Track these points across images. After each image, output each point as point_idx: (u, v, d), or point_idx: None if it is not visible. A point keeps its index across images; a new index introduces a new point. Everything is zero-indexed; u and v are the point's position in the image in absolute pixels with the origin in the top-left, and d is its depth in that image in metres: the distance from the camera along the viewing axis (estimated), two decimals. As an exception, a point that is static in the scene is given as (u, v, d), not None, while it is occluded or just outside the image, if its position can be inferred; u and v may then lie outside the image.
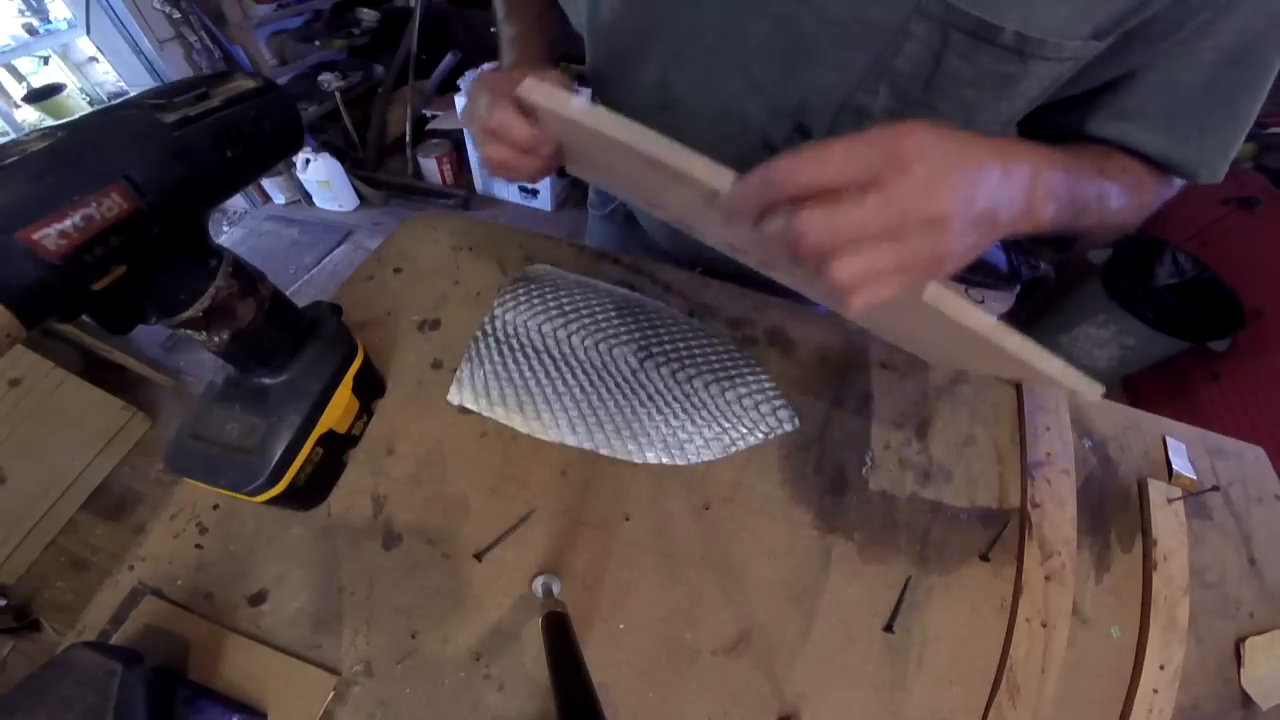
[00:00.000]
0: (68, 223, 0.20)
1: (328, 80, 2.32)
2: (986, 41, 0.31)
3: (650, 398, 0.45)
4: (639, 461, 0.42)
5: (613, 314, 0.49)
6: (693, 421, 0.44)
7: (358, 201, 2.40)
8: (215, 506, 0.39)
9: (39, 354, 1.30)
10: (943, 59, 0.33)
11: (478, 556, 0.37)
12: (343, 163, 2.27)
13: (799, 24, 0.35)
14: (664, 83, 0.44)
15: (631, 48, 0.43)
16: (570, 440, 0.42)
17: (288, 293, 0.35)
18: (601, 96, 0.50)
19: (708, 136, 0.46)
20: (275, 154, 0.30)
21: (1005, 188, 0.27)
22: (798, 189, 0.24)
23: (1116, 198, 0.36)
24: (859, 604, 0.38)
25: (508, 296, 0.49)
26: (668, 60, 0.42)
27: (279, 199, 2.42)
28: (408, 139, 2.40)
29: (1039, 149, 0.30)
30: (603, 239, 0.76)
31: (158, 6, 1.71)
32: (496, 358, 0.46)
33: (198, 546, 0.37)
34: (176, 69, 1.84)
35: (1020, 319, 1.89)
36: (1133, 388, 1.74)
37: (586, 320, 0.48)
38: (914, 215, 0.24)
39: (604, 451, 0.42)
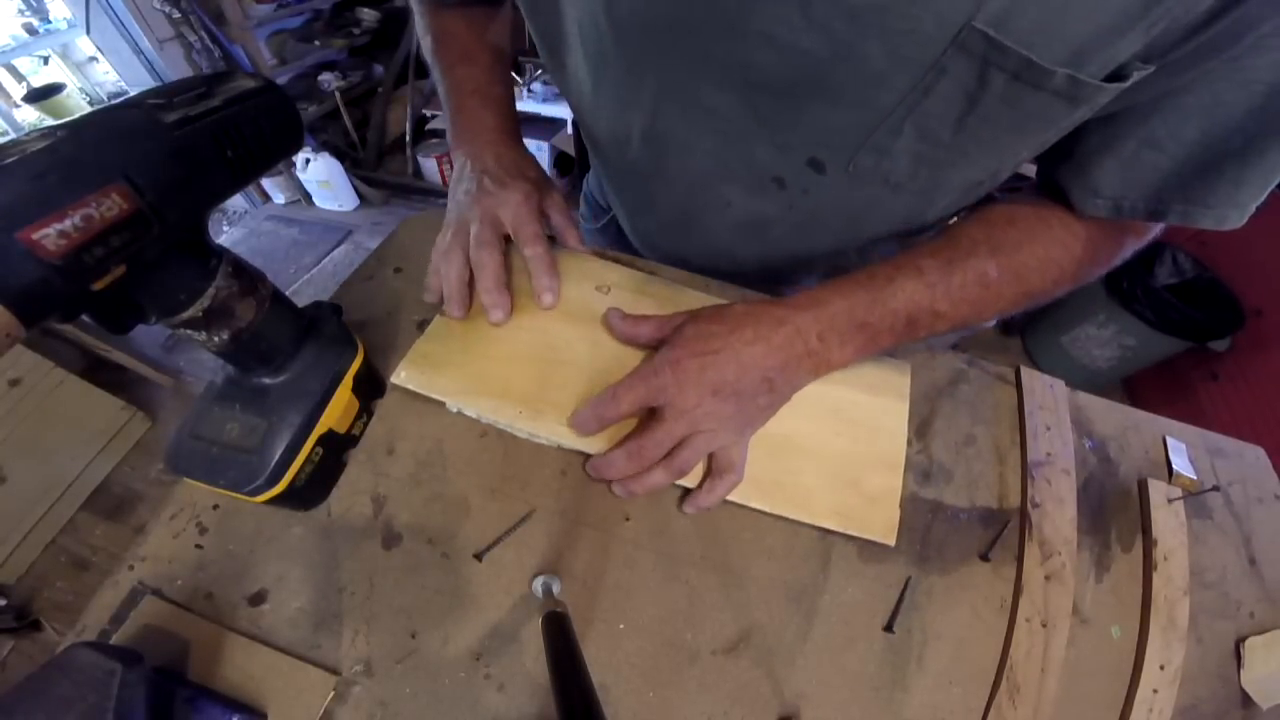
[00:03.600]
0: (68, 223, 0.20)
1: (328, 80, 2.32)
2: (1032, 86, 0.27)
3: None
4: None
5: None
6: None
7: (358, 201, 2.40)
8: (215, 506, 0.39)
9: (39, 354, 1.30)
10: (979, 101, 0.29)
11: (478, 556, 0.37)
12: (343, 162, 2.27)
13: (814, 58, 0.31)
14: (655, 113, 0.40)
15: (624, 78, 0.40)
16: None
17: (288, 293, 0.35)
18: (590, 125, 0.49)
19: (701, 172, 0.44)
20: (275, 154, 0.30)
21: (772, 355, 0.37)
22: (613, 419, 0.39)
23: (981, 299, 0.38)
24: (859, 604, 0.38)
25: None
26: (663, 92, 0.39)
27: (279, 199, 2.42)
28: (408, 139, 2.40)
29: (825, 301, 0.38)
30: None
31: (158, 6, 1.71)
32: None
33: (198, 546, 0.37)
34: (176, 69, 1.84)
35: (1019, 320, 1.89)
36: (1133, 388, 1.75)
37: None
38: (697, 423, 0.36)
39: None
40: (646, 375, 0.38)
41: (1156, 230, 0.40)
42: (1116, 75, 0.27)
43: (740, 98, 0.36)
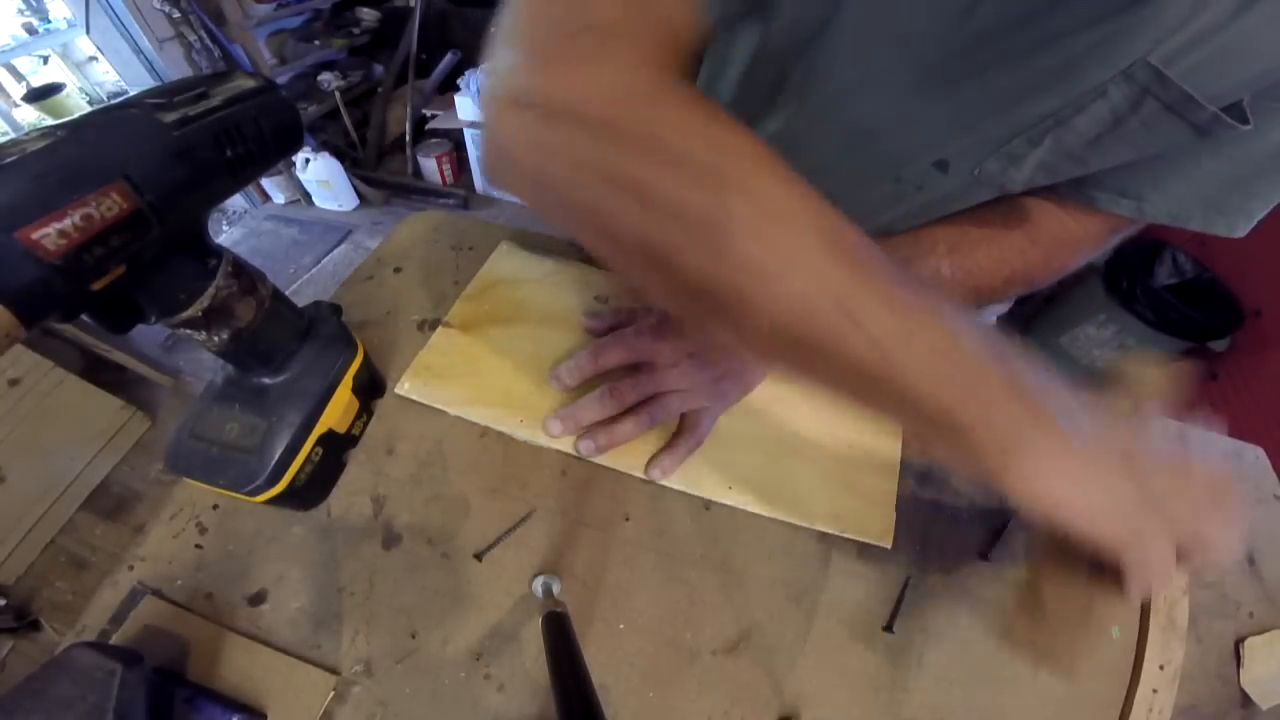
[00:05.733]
0: (67, 222, 0.20)
1: (328, 80, 2.32)
2: (1180, 117, 0.28)
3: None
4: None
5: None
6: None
7: (357, 201, 2.40)
8: (215, 506, 0.39)
9: (39, 354, 1.30)
10: (1124, 122, 0.30)
11: (478, 556, 0.37)
12: (342, 162, 2.27)
13: (989, 75, 0.30)
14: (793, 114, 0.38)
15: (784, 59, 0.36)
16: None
17: (287, 293, 0.35)
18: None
19: (813, 170, 0.41)
20: (275, 154, 0.30)
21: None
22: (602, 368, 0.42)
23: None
24: (859, 604, 0.38)
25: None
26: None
27: (279, 198, 2.42)
28: (408, 138, 2.40)
29: None
30: None
31: (158, 6, 1.71)
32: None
33: (197, 546, 0.37)
34: (176, 68, 1.84)
35: (1019, 319, 1.89)
36: (1132, 388, 1.74)
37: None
38: (673, 382, 0.40)
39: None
40: (628, 335, 0.41)
41: (1112, 242, 0.41)
42: (1234, 109, 0.28)
43: (915, 89, 0.34)
